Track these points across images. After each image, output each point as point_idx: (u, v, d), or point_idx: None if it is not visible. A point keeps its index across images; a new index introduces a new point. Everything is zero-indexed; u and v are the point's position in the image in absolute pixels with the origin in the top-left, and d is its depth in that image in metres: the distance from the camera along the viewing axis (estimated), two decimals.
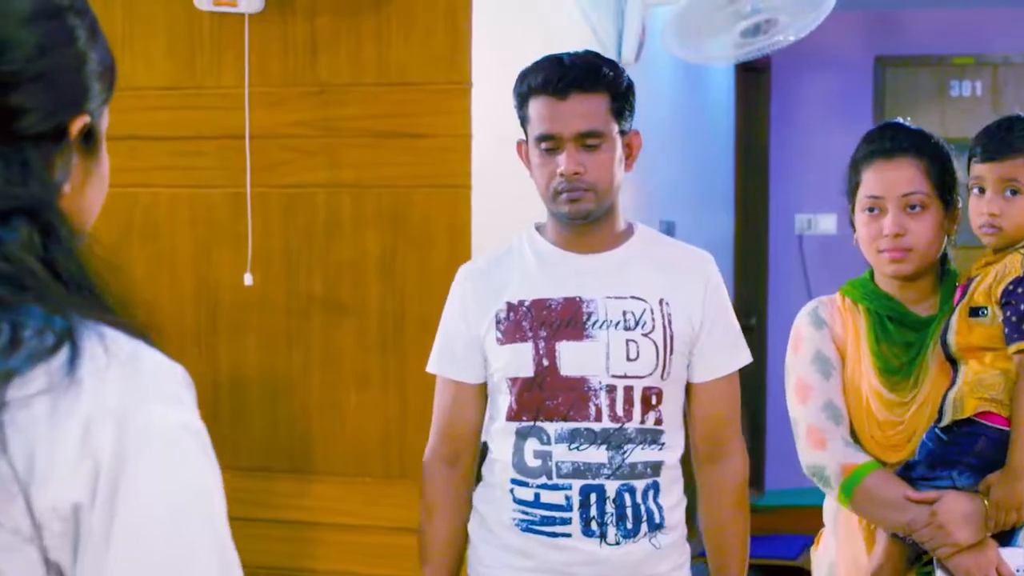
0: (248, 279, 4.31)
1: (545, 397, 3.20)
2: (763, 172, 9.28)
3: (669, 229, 6.58)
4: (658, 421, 3.22)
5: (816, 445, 3.26)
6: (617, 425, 3.18)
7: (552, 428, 3.20)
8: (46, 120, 1.42)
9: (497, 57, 4.30)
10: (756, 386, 8.62)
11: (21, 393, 1.29)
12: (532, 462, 3.22)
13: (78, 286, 1.38)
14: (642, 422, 3.20)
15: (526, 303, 3.25)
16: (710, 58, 5.66)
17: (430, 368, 3.43)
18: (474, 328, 3.31)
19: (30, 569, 1.29)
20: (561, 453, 3.18)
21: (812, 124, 9.20)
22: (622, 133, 3.25)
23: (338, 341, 4.32)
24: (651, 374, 3.20)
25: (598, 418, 3.18)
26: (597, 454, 3.17)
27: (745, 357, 3.38)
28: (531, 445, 3.22)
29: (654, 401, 3.22)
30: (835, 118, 9.16)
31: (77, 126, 1.46)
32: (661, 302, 3.24)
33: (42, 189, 1.40)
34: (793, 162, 9.19)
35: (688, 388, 3.33)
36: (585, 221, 3.24)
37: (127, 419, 1.32)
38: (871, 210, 3.26)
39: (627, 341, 3.19)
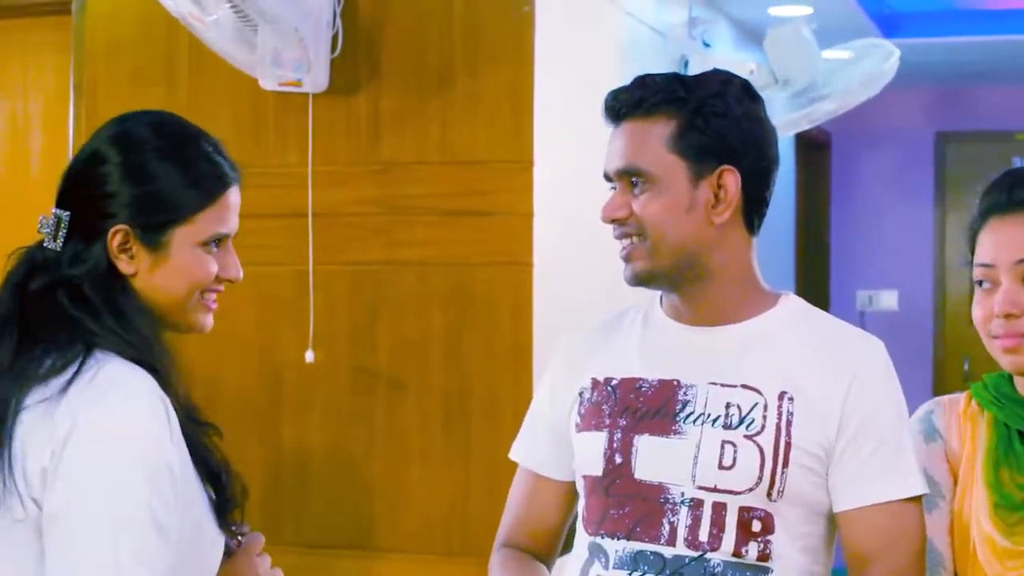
0: (310, 356, 4.33)
1: (610, 505, 2.44)
2: (824, 248, 9.26)
3: None
4: (764, 556, 2.36)
5: None
6: (695, 553, 2.36)
7: (612, 548, 2.42)
8: (82, 230, 2.19)
9: (559, 135, 4.32)
10: None
11: (33, 401, 2.06)
12: None
13: (113, 329, 2.12)
14: (736, 554, 2.35)
15: (614, 382, 2.50)
16: None
17: (511, 454, 2.72)
18: (560, 408, 2.59)
19: (29, 504, 2.03)
20: None
21: (873, 199, 9.19)
22: (698, 174, 2.41)
23: (402, 418, 4.32)
24: (751, 490, 2.36)
25: (671, 541, 2.37)
26: None
27: (911, 485, 2.41)
28: (595, 569, 2.45)
29: (757, 528, 2.37)
30: (896, 193, 9.15)
31: (113, 230, 2.17)
32: (782, 396, 2.39)
33: (88, 269, 2.16)
34: (854, 238, 9.17)
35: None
36: (649, 286, 2.50)
37: (77, 417, 2.03)
38: (981, 283, 2.45)
39: (723, 443, 2.38)
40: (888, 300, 9.05)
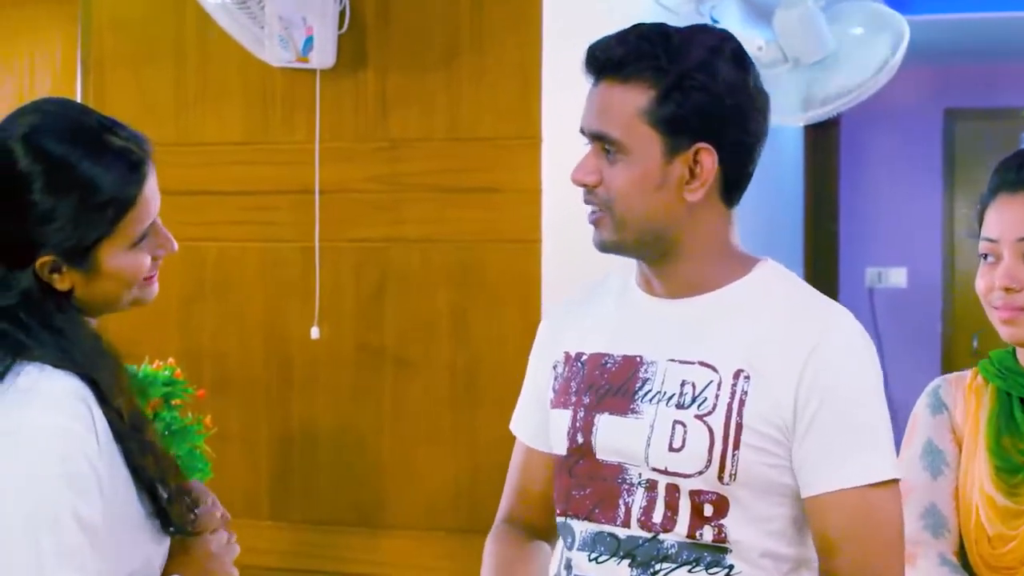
0: (315, 332, 4.33)
1: (573, 486, 2.37)
2: (833, 226, 9.24)
3: None
4: (720, 539, 2.25)
5: (905, 560, 2.33)
6: (648, 535, 2.28)
7: (578, 528, 2.36)
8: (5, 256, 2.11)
9: (567, 111, 4.30)
10: None
11: None
12: (562, 572, 2.40)
13: (48, 342, 2.07)
14: (691, 536, 2.25)
15: (583, 357, 2.41)
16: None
17: (510, 425, 2.64)
18: (542, 381, 2.51)
19: None
20: (581, 564, 2.35)
21: (882, 178, 9.17)
22: (673, 149, 2.27)
23: (408, 395, 4.32)
24: (700, 473, 2.24)
25: (625, 522, 2.30)
26: (618, 570, 2.30)
27: (879, 470, 2.23)
28: (564, 551, 2.40)
29: (709, 512, 2.25)
30: (905, 171, 9.13)
31: (39, 262, 2.09)
32: (738, 374, 2.25)
33: (19, 296, 2.09)
34: (863, 216, 9.15)
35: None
36: (617, 254, 2.39)
37: None
38: (986, 257, 2.53)
39: (674, 423, 2.26)
40: (897, 277, 9.04)
